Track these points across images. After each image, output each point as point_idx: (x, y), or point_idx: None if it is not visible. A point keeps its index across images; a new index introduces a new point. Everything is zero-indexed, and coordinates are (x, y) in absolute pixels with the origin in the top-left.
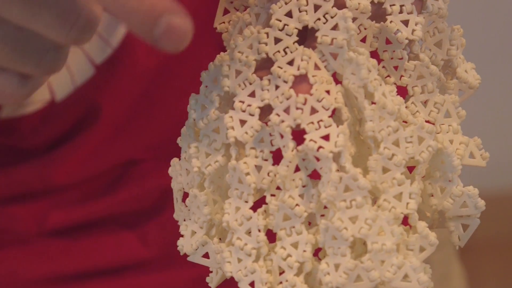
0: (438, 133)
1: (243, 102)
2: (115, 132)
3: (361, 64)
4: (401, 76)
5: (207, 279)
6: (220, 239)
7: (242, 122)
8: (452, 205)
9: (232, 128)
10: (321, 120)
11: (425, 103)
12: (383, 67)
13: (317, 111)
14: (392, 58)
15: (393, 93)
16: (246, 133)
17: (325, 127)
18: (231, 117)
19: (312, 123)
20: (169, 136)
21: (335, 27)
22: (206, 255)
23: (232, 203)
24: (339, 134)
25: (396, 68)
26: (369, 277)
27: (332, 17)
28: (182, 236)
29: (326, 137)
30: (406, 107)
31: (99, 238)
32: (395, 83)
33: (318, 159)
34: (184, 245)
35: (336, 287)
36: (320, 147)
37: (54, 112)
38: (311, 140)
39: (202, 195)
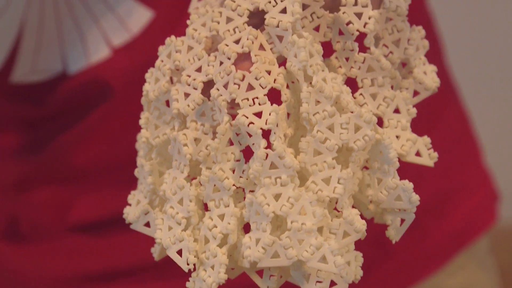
0: (386, 127)
1: (189, 76)
2: (131, 120)
3: (301, 47)
4: (351, 67)
5: (152, 250)
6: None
7: (186, 95)
8: (387, 197)
9: (177, 100)
10: (256, 97)
11: (374, 96)
12: (336, 57)
13: (254, 89)
14: (344, 50)
15: (337, 81)
16: (188, 105)
17: (259, 104)
18: (177, 89)
19: (247, 99)
20: None
21: (283, 11)
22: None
23: (171, 173)
24: (271, 113)
25: (347, 59)
26: (286, 254)
27: (281, 1)
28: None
29: (259, 115)
30: (354, 97)
31: (121, 236)
32: (345, 74)
33: (250, 135)
34: (129, 213)
35: (253, 261)
36: (251, 122)
37: (65, 85)
38: (243, 115)
39: (147, 165)
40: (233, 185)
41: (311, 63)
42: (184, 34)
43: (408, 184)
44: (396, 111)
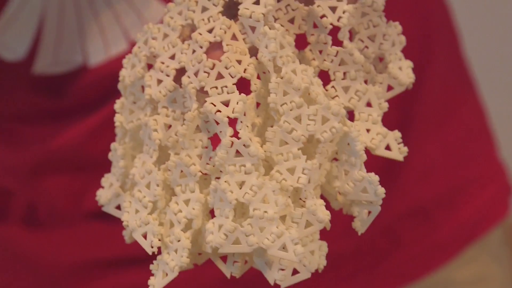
0: (357, 120)
1: (163, 63)
2: None
3: (272, 38)
4: (324, 60)
5: (123, 233)
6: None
7: (159, 82)
8: (353, 189)
9: (150, 86)
10: (225, 86)
11: (346, 89)
12: (310, 50)
13: (223, 77)
14: (318, 42)
15: (308, 73)
16: (160, 92)
17: (228, 93)
18: (150, 76)
19: (216, 87)
20: None
21: (257, 2)
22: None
23: (141, 157)
24: (239, 102)
25: (321, 52)
26: (247, 241)
27: None
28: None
29: (227, 103)
30: (326, 90)
31: None
32: (318, 67)
33: (217, 123)
34: (101, 196)
35: (215, 246)
36: (218, 110)
37: (85, 77)
38: (211, 103)
39: (120, 149)
40: (200, 171)
41: (281, 54)
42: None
43: (374, 177)
44: (369, 105)
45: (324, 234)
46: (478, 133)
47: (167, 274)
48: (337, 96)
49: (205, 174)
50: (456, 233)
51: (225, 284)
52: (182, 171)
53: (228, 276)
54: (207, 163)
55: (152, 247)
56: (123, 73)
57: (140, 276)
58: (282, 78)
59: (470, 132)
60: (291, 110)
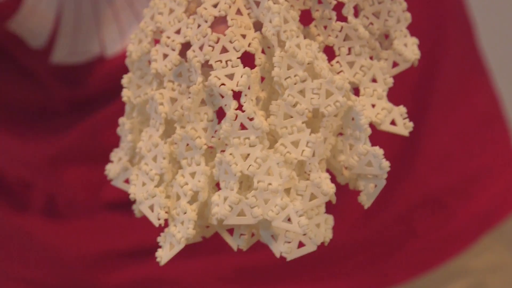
0: (362, 95)
1: (169, 37)
2: None
3: (275, 12)
4: (329, 35)
5: (133, 207)
6: None
7: (165, 56)
8: (357, 162)
9: (156, 60)
10: (229, 60)
11: (351, 64)
12: (315, 26)
13: (227, 51)
14: (322, 18)
15: (312, 47)
16: (165, 66)
17: (232, 67)
18: (157, 50)
19: (220, 61)
20: None
21: None
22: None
23: (148, 131)
24: (243, 75)
25: (325, 28)
26: (252, 213)
27: None
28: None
29: (231, 77)
30: (331, 65)
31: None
32: (323, 42)
33: (222, 96)
34: (110, 170)
35: (220, 218)
36: (222, 84)
37: (102, 68)
38: (215, 76)
39: (128, 123)
40: (205, 144)
41: (285, 28)
42: None
43: (379, 150)
44: (374, 80)
45: (338, 224)
46: (492, 121)
47: (174, 246)
48: (342, 71)
49: (211, 147)
50: (471, 222)
51: (242, 273)
52: (188, 144)
53: (235, 248)
54: (213, 136)
55: (159, 219)
56: (130, 48)
57: (159, 267)
58: (286, 52)
59: (484, 120)
60: (295, 84)
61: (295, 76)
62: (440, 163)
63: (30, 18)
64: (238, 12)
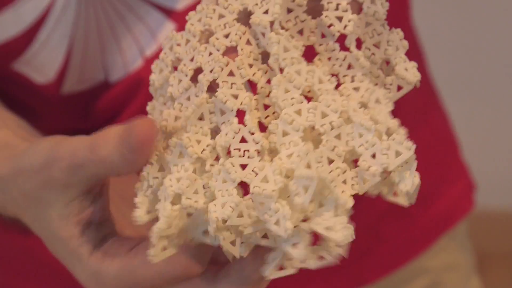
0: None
1: (184, 64)
2: None
3: (274, 42)
4: (333, 65)
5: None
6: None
7: (179, 81)
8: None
9: (172, 85)
10: (235, 83)
11: (356, 90)
12: (319, 59)
13: (234, 75)
14: (326, 50)
15: (315, 74)
16: (178, 90)
17: (237, 89)
18: (174, 76)
19: (227, 82)
20: None
21: (266, 12)
22: None
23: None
24: (246, 97)
25: (329, 59)
26: (249, 214)
27: (266, 3)
28: None
29: (236, 97)
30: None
31: None
32: (327, 72)
33: (223, 113)
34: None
35: (222, 219)
36: (227, 100)
37: (108, 93)
38: (222, 93)
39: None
40: (196, 153)
41: (285, 56)
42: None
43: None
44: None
45: (315, 237)
46: (445, 137)
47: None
48: (350, 94)
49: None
50: (430, 226)
51: None
52: (181, 152)
53: (238, 256)
54: (203, 149)
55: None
56: (152, 77)
57: None
58: (284, 76)
59: (438, 137)
60: (292, 105)
61: (291, 98)
62: None
63: (40, 54)
64: (248, 42)
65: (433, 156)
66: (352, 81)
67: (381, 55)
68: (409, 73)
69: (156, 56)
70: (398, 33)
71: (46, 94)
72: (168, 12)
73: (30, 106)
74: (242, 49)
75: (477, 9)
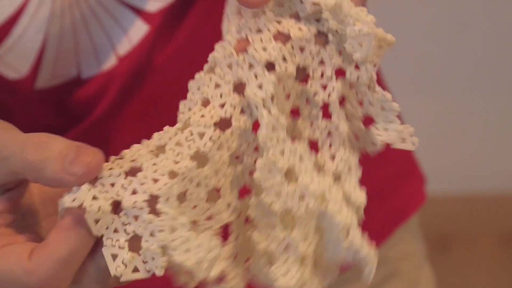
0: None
1: (214, 107)
2: (127, 120)
3: (264, 124)
4: (314, 131)
5: None
6: None
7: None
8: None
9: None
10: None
11: (332, 158)
12: (301, 122)
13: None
14: (309, 117)
15: (296, 152)
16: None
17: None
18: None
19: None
20: None
21: (260, 86)
22: None
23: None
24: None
25: (311, 124)
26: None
27: (260, 77)
28: None
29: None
30: (316, 157)
31: None
32: (308, 138)
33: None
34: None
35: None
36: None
37: (81, 90)
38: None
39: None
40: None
41: (272, 136)
42: (172, 44)
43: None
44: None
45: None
46: None
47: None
48: (325, 163)
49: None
50: (387, 219)
51: None
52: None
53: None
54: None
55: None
56: (180, 118)
57: None
58: (268, 159)
59: None
60: (272, 186)
61: (273, 179)
62: (363, 173)
63: (14, 50)
64: (242, 112)
65: (387, 155)
66: (330, 148)
67: (363, 112)
68: (390, 134)
69: (130, 55)
70: (377, 93)
71: (19, 90)
72: (138, 11)
73: (3, 103)
74: (236, 121)
75: (477, 9)
